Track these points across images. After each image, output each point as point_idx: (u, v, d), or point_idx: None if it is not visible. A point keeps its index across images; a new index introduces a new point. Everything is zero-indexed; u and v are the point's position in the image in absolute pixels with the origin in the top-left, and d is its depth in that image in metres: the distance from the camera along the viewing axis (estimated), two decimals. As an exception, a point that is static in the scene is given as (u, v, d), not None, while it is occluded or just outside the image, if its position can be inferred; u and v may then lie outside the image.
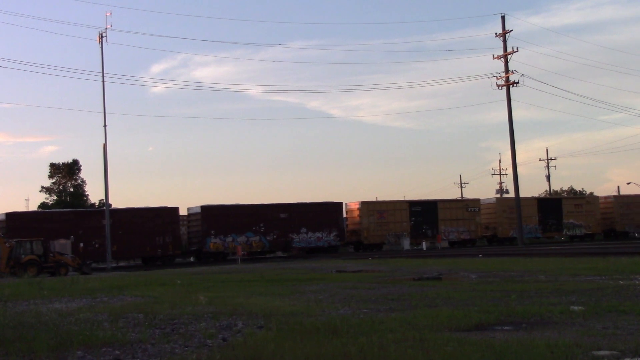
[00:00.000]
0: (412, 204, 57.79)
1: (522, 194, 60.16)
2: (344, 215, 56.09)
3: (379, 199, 61.47)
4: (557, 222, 62.00)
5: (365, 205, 55.65)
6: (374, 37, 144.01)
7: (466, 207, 58.91)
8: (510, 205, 59.67)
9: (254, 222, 50.22)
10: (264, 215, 50.45)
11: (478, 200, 61.12)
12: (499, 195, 76.67)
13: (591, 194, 79.52)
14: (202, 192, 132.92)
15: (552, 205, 63.17)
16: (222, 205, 51.41)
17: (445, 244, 58.11)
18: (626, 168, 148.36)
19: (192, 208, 51.46)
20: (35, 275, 33.31)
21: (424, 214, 57.00)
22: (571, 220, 62.07)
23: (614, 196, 67.05)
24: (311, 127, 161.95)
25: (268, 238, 50.19)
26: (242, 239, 49.17)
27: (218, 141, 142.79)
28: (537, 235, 61.77)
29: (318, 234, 52.14)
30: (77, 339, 10.09)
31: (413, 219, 56.23)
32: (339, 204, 54.63)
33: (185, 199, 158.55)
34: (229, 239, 49.22)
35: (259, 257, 52.50)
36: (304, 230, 51.64)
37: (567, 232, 62.32)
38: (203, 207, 50.13)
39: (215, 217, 49.25)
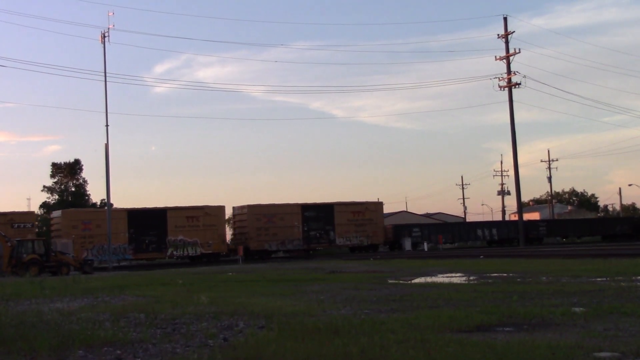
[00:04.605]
0: None
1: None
2: None
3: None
4: (158, 240, 49.83)
5: None
6: (377, 38, 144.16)
7: None
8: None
9: None
10: None
11: None
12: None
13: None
14: (203, 192, 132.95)
15: (151, 218, 50.53)
16: None
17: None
18: (628, 169, 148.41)
19: None
20: (37, 275, 33.33)
21: None
22: (181, 237, 50.48)
23: (249, 206, 54.33)
24: (314, 127, 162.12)
25: None
26: None
27: (220, 141, 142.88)
28: (126, 257, 49.48)
29: None
30: (78, 338, 10.09)
31: None
32: None
33: (187, 198, 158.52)
34: None
35: (260, 258, 52.52)
36: None
37: (175, 252, 50.67)
38: None
39: None
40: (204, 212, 51.56)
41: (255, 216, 53.38)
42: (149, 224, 49.89)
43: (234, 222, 56.38)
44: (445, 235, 62.10)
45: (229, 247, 53.94)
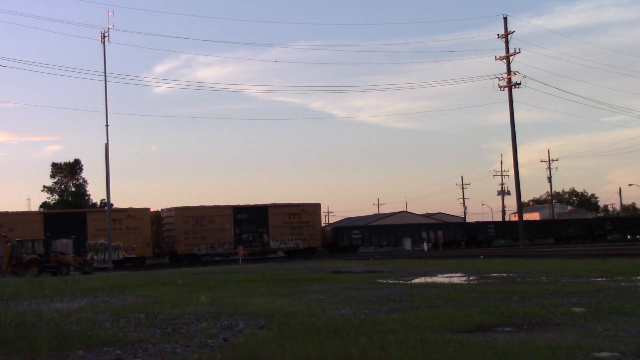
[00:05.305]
0: None
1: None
2: None
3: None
4: (77, 244, 47.25)
5: None
6: (377, 38, 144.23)
7: None
8: None
9: None
10: None
11: None
12: None
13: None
14: (205, 192, 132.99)
15: (70, 221, 48.33)
16: None
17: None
18: (628, 170, 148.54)
19: None
20: (37, 275, 33.31)
21: None
22: (102, 241, 48.24)
23: (176, 208, 52.32)
24: (314, 127, 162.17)
25: None
26: None
27: (220, 141, 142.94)
28: None
29: None
30: (78, 338, 10.09)
31: None
32: None
33: (188, 198, 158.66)
34: None
35: (260, 258, 52.57)
36: None
37: (95, 257, 47.96)
38: None
39: None
40: (127, 215, 49.82)
41: (184, 219, 51.46)
42: (67, 227, 47.53)
43: (162, 225, 53.65)
44: (387, 237, 59.77)
45: (154, 251, 52.40)
